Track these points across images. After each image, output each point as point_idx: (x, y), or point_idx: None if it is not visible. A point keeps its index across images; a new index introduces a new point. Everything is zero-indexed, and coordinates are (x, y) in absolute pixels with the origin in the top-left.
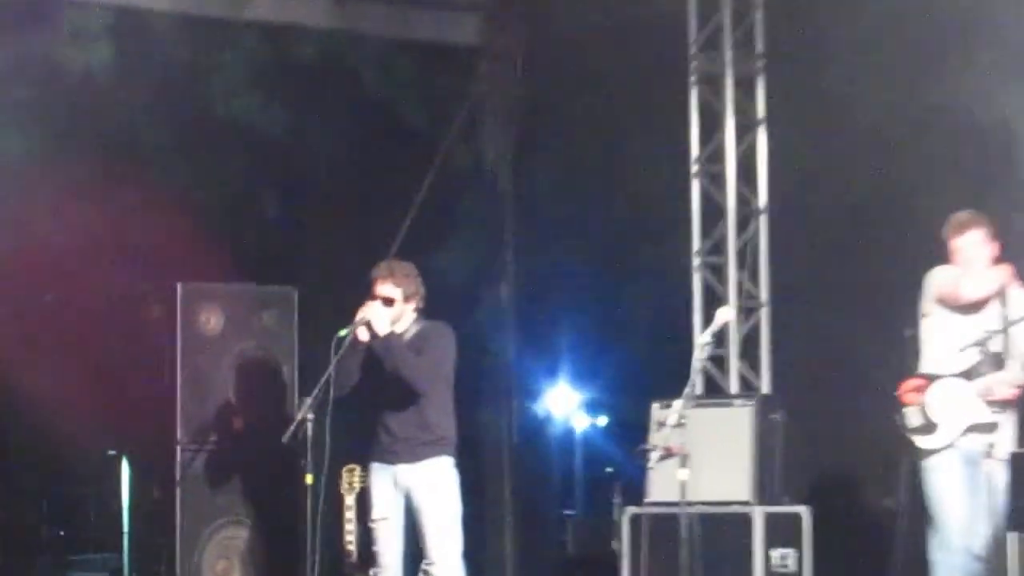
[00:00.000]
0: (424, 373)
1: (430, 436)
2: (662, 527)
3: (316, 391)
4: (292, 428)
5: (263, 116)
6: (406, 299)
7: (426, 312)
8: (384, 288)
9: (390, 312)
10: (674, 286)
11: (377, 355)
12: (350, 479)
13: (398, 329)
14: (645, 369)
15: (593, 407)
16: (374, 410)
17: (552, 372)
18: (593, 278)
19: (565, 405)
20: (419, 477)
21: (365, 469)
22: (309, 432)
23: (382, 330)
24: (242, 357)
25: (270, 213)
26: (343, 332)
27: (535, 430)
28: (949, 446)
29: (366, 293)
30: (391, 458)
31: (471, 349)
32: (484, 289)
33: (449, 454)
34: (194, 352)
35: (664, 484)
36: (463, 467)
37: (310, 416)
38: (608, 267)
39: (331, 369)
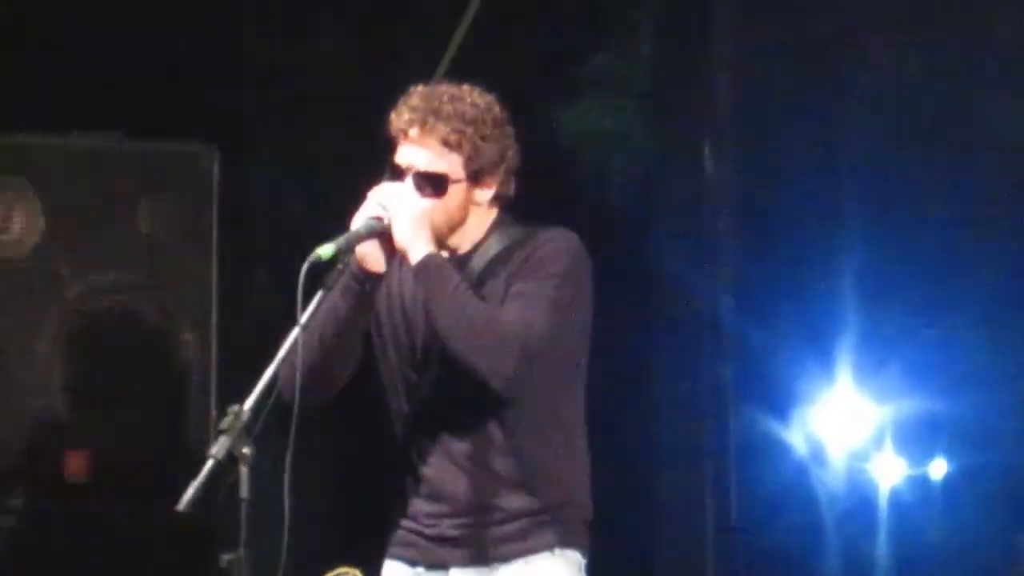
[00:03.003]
0: (515, 347)
1: (529, 501)
2: None
3: (261, 390)
4: (201, 479)
5: None
6: (474, 176)
7: (524, 210)
8: (419, 152)
9: (435, 206)
10: None
11: (406, 305)
12: None
13: (459, 245)
14: None
15: (918, 438)
16: (399, 437)
17: (822, 356)
18: (908, 146)
19: (854, 432)
20: None
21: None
22: (244, 489)
23: (418, 249)
24: (88, 307)
25: None
26: (327, 250)
27: (784, 487)
28: None
29: (381, 163)
30: (437, 551)
31: (633, 293)
32: (668, 163)
33: (575, 546)
34: None
35: None
36: (608, 572)
37: (245, 451)
38: (948, 124)
39: (296, 335)
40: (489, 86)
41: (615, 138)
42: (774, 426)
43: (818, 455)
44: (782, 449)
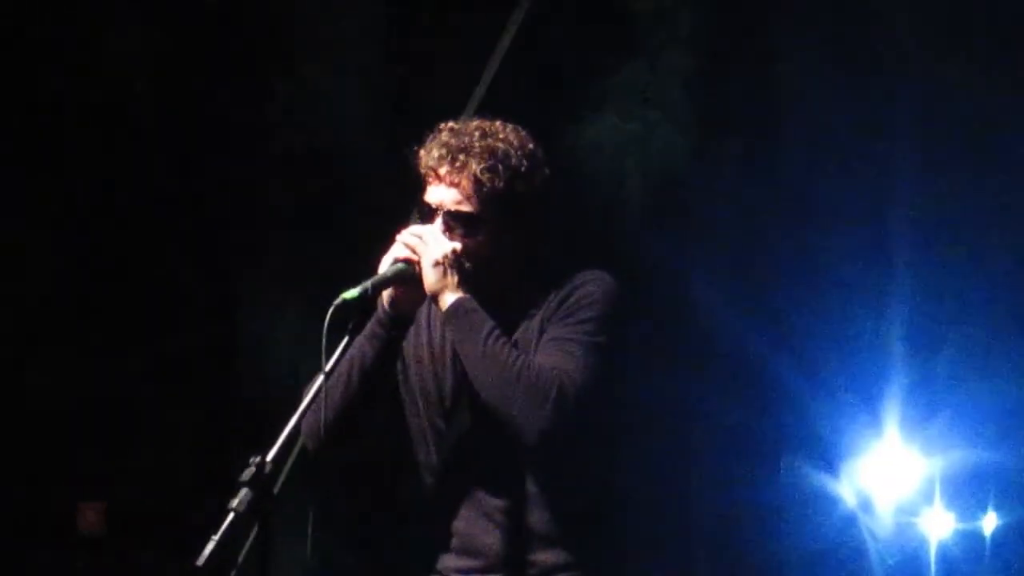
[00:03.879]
0: (550, 399)
1: (564, 556)
2: None
3: (284, 440)
4: (220, 533)
5: None
6: (506, 215)
7: (558, 245)
8: (449, 191)
9: (466, 247)
10: None
11: (434, 351)
12: None
13: (490, 287)
14: None
15: (968, 491)
16: (427, 489)
17: (869, 407)
18: (960, 189)
19: (902, 486)
20: None
21: None
22: (265, 543)
23: (448, 292)
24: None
25: None
26: (352, 294)
27: (831, 542)
28: None
29: (408, 204)
30: None
31: (663, 332)
32: (704, 195)
33: None
34: None
35: None
36: None
37: (267, 504)
38: (1004, 166)
39: (320, 382)
40: (516, 101)
41: (645, 157)
42: (820, 479)
43: (866, 508)
44: (829, 502)
